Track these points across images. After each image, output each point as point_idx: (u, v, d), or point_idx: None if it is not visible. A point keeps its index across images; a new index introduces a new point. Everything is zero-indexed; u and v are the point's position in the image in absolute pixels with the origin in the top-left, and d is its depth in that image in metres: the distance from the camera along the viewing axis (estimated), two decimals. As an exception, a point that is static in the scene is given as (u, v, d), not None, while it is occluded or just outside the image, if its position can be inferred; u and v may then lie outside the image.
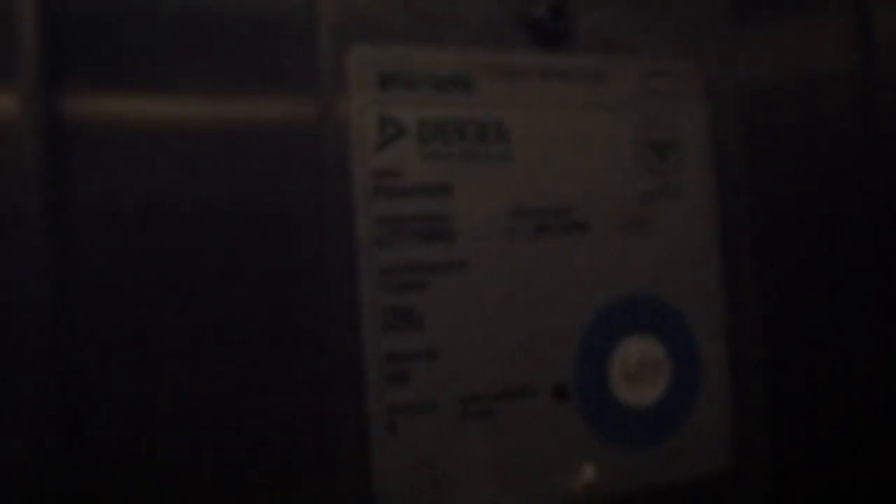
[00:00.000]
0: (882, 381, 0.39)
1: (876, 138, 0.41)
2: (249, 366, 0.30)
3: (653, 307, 0.36)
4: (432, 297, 0.32)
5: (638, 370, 0.35)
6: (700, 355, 0.37)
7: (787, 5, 0.42)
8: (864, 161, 0.41)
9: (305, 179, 0.31)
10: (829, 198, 0.41)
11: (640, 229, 0.36)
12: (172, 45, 0.30)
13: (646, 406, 0.36)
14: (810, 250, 0.40)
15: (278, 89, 0.31)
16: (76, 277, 0.28)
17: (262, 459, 0.30)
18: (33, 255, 0.27)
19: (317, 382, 0.30)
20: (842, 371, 0.39)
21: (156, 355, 0.29)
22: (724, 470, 0.37)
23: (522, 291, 0.34)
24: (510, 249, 0.34)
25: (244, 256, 0.30)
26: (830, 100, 0.41)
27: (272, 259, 0.30)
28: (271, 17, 0.31)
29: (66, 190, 0.28)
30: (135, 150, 0.29)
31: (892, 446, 0.40)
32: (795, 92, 0.41)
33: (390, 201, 0.32)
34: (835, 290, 0.40)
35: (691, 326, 0.37)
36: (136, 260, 0.29)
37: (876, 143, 0.41)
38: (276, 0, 0.32)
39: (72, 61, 0.29)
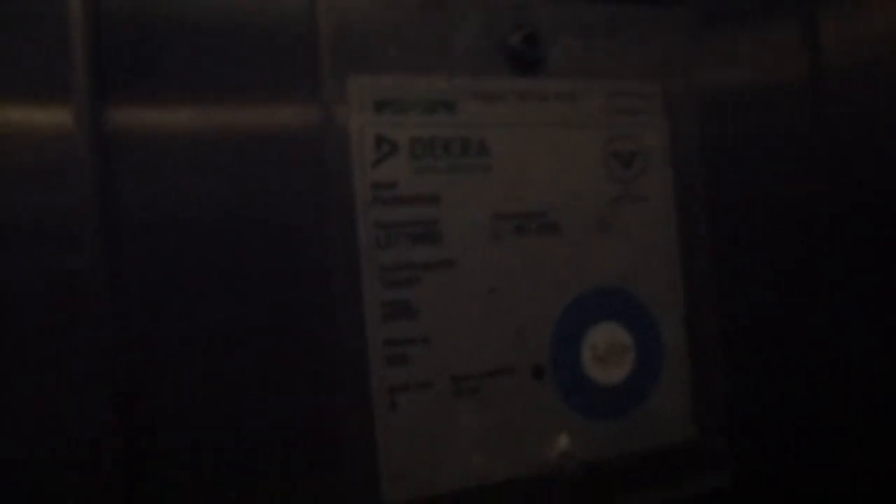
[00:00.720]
0: (824, 357, 0.44)
1: (821, 140, 0.46)
2: (266, 355, 0.35)
3: (619, 298, 0.41)
4: (425, 291, 0.37)
5: (606, 353, 0.40)
6: (662, 339, 0.42)
7: (741, 21, 0.47)
8: (811, 162, 0.46)
9: (313, 191, 0.36)
10: (778, 197, 0.46)
11: (608, 230, 0.41)
12: (204, 66, 0.35)
13: (614, 384, 0.40)
14: (760, 245, 0.45)
15: (290, 115, 0.36)
16: (127, 278, 0.33)
17: (280, 436, 0.34)
18: (91, 258, 0.32)
19: (326, 367, 0.35)
20: (790, 350, 0.44)
21: (188, 348, 0.34)
22: (685, 440, 0.42)
23: (504, 285, 0.38)
24: (492, 249, 0.38)
25: (261, 258, 0.35)
26: (780, 105, 0.46)
27: (286, 260, 0.35)
28: (282, 52, 0.36)
29: (113, 196, 0.33)
30: (169, 158, 0.34)
31: (838, 413, 0.44)
32: (748, 100, 0.46)
33: (386, 209, 0.37)
34: (783, 279, 0.45)
35: (654, 314, 0.42)
36: (173, 261, 0.33)
37: (821, 144, 0.46)
38: (286, 38, 0.36)
39: (117, 76, 0.33)
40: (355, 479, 0.35)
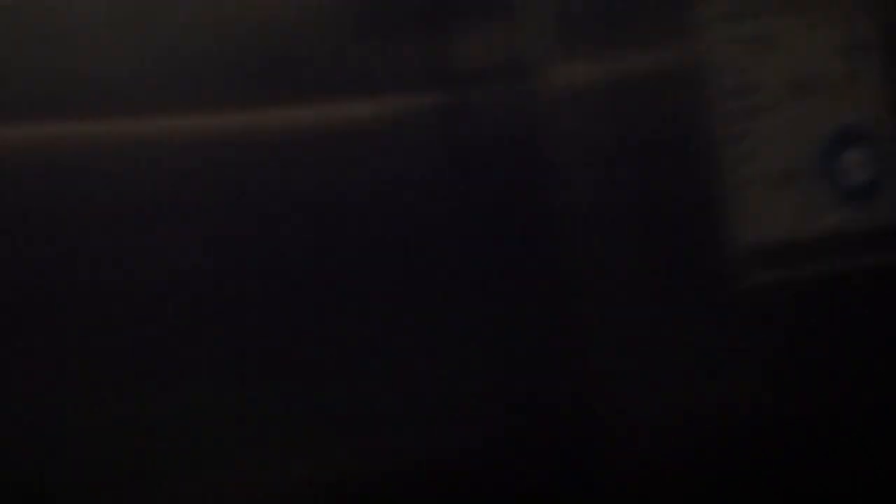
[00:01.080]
0: None
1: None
2: (690, 173, 0.60)
3: (859, 130, 0.65)
4: (749, 125, 0.62)
5: (855, 164, 0.65)
6: (890, 155, 0.66)
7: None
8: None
9: (686, 99, 0.61)
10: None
11: (845, 92, 0.65)
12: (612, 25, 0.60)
13: (860, 183, 0.65)
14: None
15: (671, 55, 0.61)
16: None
17: (691, 210, 0.60)
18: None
19: (710, 168, 0.61)
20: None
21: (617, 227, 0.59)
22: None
23: (794, 125, 0.63)
24: (782, 102, 0.63)
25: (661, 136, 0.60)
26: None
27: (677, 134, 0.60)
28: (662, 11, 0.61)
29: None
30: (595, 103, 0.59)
31: None
32: None
33: (728, 92, 0.62)
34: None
35: (883, 138, 0.66)
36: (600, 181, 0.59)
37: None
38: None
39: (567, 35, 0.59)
40: (732, 231, 0.61)
